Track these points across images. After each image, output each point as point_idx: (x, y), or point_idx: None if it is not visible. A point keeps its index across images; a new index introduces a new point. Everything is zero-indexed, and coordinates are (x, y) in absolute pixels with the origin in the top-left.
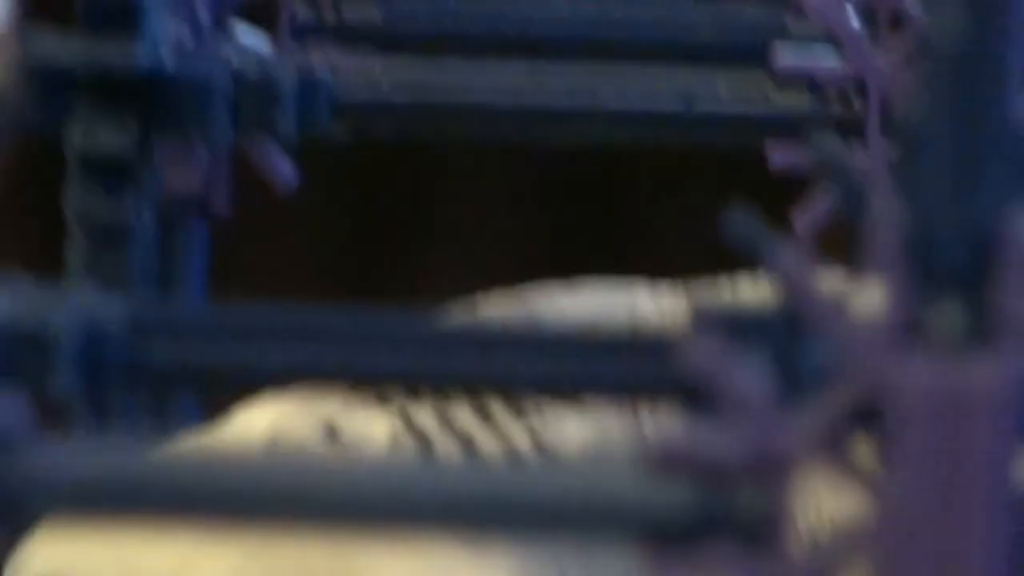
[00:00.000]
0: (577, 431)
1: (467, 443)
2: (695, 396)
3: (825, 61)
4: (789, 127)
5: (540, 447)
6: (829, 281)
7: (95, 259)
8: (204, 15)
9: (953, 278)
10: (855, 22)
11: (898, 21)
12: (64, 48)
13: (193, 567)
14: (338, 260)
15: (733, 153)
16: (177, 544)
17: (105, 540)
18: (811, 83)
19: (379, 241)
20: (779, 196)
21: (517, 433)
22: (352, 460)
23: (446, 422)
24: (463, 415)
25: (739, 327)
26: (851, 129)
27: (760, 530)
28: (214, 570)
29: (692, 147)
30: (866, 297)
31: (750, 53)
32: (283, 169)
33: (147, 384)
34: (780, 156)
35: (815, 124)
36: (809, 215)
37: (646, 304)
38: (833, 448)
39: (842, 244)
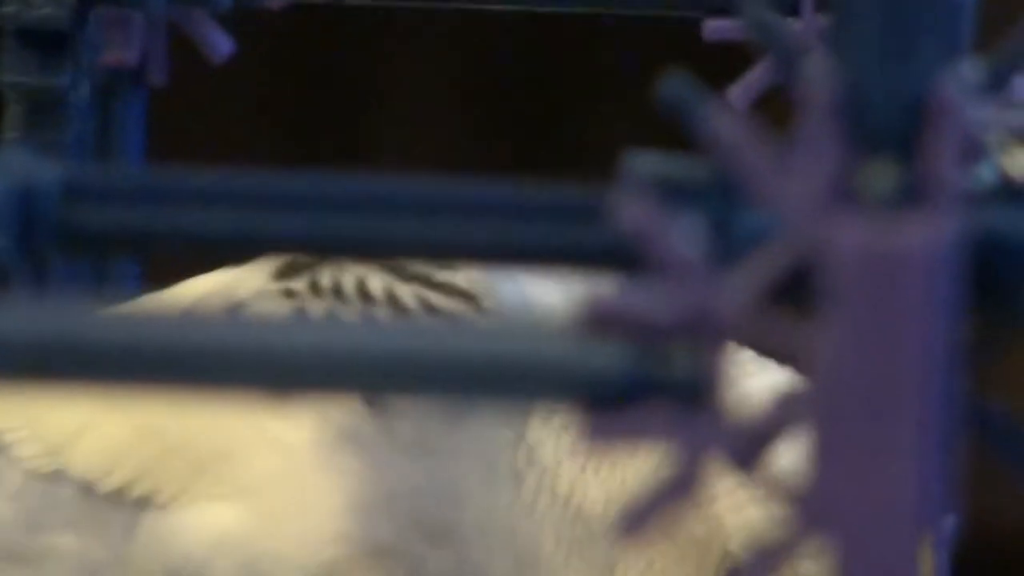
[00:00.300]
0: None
1: (398, 308)
2: (629, 259)
3: None
4: None
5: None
6: (760, 145)
7: (31, 130)
8: None
9: (886, 140)
10: None
11: None
12: None
13: (96, 426)
14: (279, 126)
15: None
16: (85, 405)
17: (17, 400)
18: None
19: (318, 106)
20: (713, 71)
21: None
22: (278, 322)
23: (386, 287)
24: (400, 281)
25: (673, 191)
26: (784, 2)
27: (694, 392)
28: (115, 430)
29: (626, 20)
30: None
31: None
32: (217, 38)
33: (81, 248)
34: (714, 28)
35: None
36: (744, 85)
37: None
38: (766, 311)
39: (777, 116)
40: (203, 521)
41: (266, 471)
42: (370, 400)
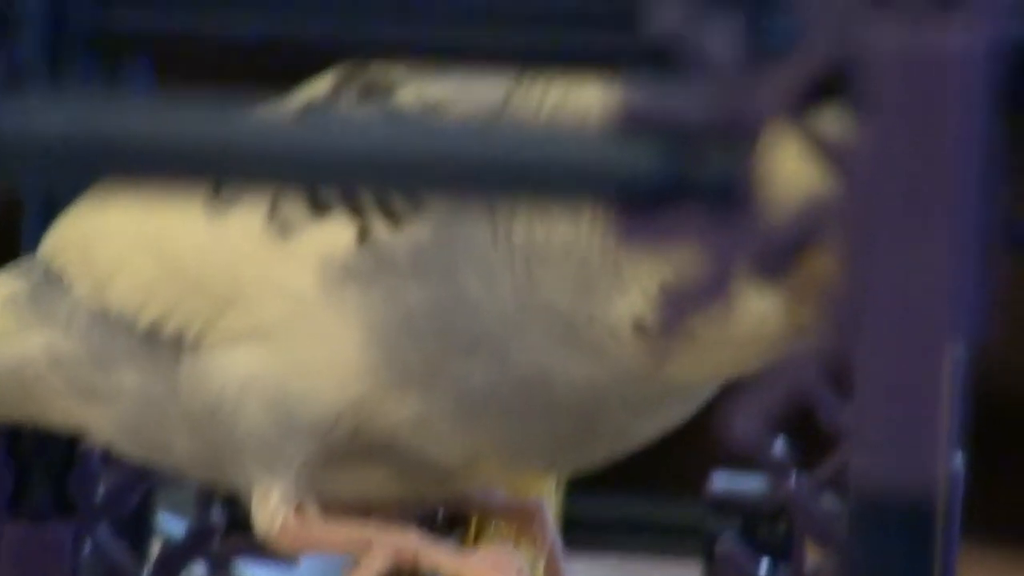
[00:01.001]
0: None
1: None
2: (663, 59)
3: None
4: None
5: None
6: None
7: None
8: None
9: None
10: None
11: None
12: None
13: (128, 263)
14: None
15: None
16: (120, 239)
17: (73, 232)
18: None
19: None
20: None
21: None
22: (316, 117)
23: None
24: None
25: None
26: None
27: (727, 192)
28: (143, 267)
29: None
30: None
31: None
32: None
33: (108, 49)
34: None
35: None
36: None
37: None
38: (801, 112)
39: None
40: (229, 363)
41: (279, 315)
42: (360, 231)
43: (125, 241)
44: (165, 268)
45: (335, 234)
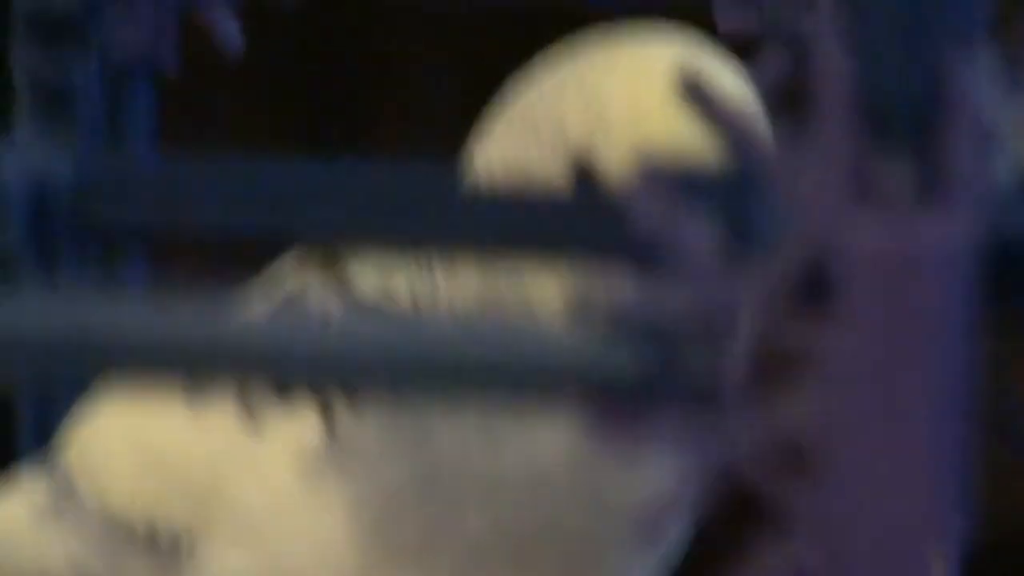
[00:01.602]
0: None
1: (409, 303)
2: (642, 254)
3: None
4: None
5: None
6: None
7: (43, 118)
8: None
9: (901, 135)
10: None
11: None
12: None
13: (112, 456)
14: (286, 113)
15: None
16: (105, 429)
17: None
18: None
19: (326, 92)
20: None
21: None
22: (293, 318)
23: (387, 282)
24: (402, 276)
25: (687, 185)
26: None
27: (710, 390)
28: (125, 459)
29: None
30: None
31: None
32: (229, 27)
33: (93, 240)
34: (727, 18)
35: None
36: (757, 75)
37: None
38: (780, 309)
39: (790, 105)
40: (221, 569)
41: (263, 512)
42: (327, 423)
43: (114, 441)
44: (149, 467)
45: (305, 428)
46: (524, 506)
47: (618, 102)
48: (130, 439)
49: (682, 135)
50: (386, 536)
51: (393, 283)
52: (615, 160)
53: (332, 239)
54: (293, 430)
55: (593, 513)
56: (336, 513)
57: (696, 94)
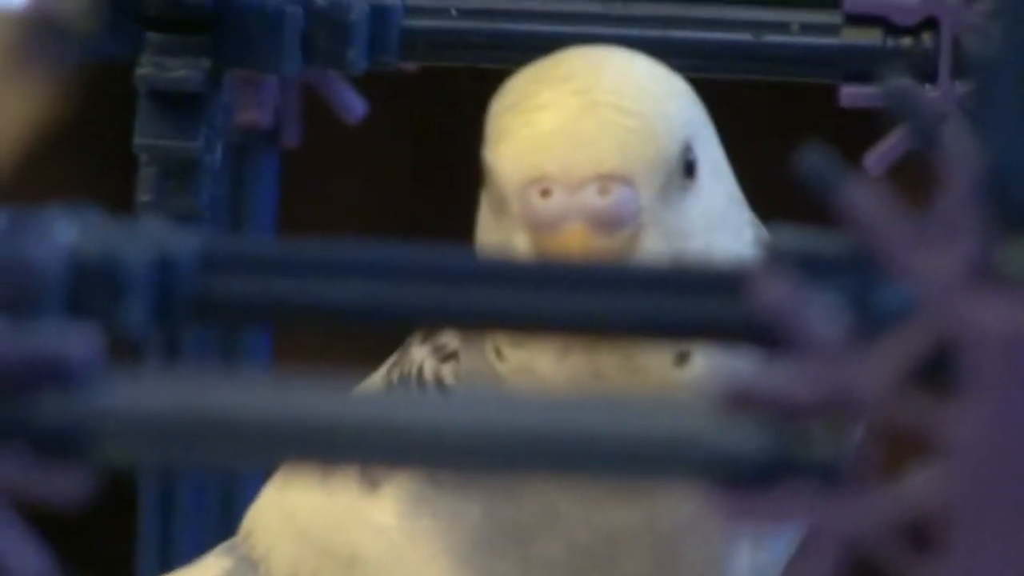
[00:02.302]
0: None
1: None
2: (767, 335)
3: None
4: (860, 64)
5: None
6: (903, 221)
7: (164, 192)
8: None
9: None
10: None
11: None
12: None
13: (279, 538)
14: (405, 188)
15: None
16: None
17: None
18: (883, 20)
19: (446, 169)
20: (849, 135)
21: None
22: (412, 398)
23: (433, 369)
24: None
25: (812, 266)
26: (922, 66)
27: (833, 471)
28: (289, 541)
29: (758, 84)
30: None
31: None
32: (351, 100)
33: (216, 319)
34: (850, 93)
35: (886, 61)
36: (880, 154)
37: None
38: (906, 390)
39: (914, 184)
40: None
41: (377, 563)
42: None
43: (274, 514)
44: (301, 536)
45: (415, 489)
46: (637, 573)
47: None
48: (285, 511)
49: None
50: (479, 569)
51: (503, 362)
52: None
53: (454, 324)
54: (404, 489)
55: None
56: (435, 554)
57: (819, 177)
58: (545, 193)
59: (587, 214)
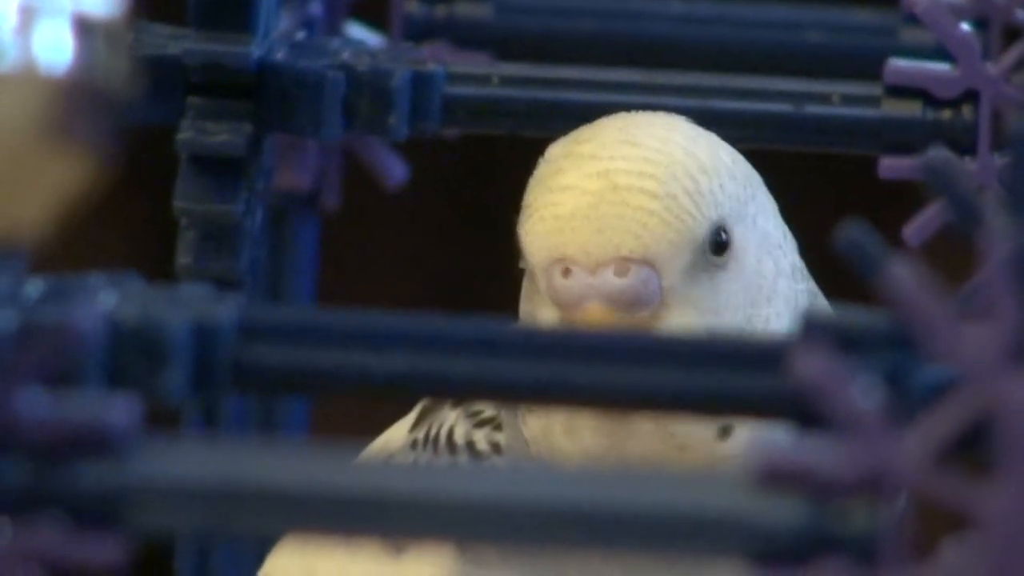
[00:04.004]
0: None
1: (474, 454)
2: (804, 410)
3: (937, 71)
4: (899, 135)
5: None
6: (941, 297)
7: (204, 255)
8: (317, 11)
9: None
10: (967, 30)
11: (1011, 31)
12: (176, 41)
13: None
14: (444, 253)
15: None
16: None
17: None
18: (923, 92)
19: (488, 236)
20: (887, 207)
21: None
22: (446, 470)
23: (466, 433)
24: (475, 427)
25: (849, 341)
26: (962, 140)
27: (871, 549)
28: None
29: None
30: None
31: (862, 62)
32: (392, 164)
33: (256, 387)
34: (890, 165)
35: (926, 133)
36: (919, 226)
37: None
38: (945, 467)
39: (951, 258)
40: None
41: None
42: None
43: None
44: None
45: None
46: None
47: None
48: (305, 570)
49: None
50: None
51: (536, 433)
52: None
53: (492, 397)
54: (439, 561)
55: None
56: None
57: (859, 252)
58: (567, 273)
59: (605, 294)
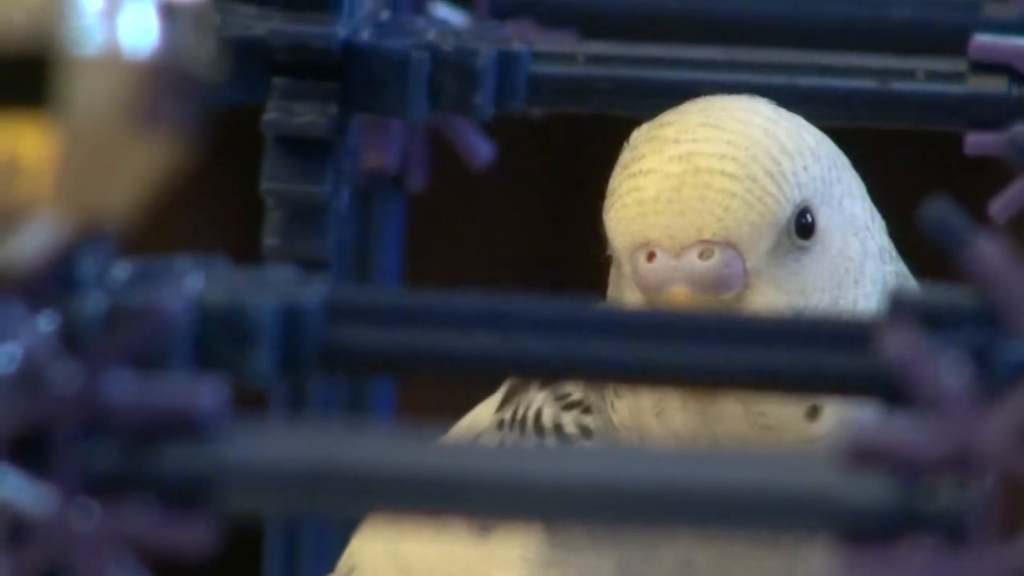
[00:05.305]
0: None
1: (562, 436)
2: (891, 389)
3: (1023, 46)
4: (984, 111)
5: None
6: None
7: (291, 236)
8: None
9: None
10: None
11: None
12: (261, 22)
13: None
14: (531, 232)
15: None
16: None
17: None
18: (1008, 67)
19: (574, 215)
20: (974, 182)
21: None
22: (536, 451)
23: (553, 416)
24: (563, 410)
25: (936, 319)
26: None
27: (959, 526)
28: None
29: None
30: None
31: (947, 38)
32: (479, 144)
33: (343, 368)
34: (975, 141)
35: (1011, 109)
36: (1005, 202)
37: None
38: None
39: None
40: None
41: None
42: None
43: (374, 557)
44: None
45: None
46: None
47: None
48: (390, 551)
49: None
50: None
51: (625, 417)
52: None
53: (578, 376)
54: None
55: None
56: None
57: (945, 230)
58: (651, 257)
59: (689, 277)
